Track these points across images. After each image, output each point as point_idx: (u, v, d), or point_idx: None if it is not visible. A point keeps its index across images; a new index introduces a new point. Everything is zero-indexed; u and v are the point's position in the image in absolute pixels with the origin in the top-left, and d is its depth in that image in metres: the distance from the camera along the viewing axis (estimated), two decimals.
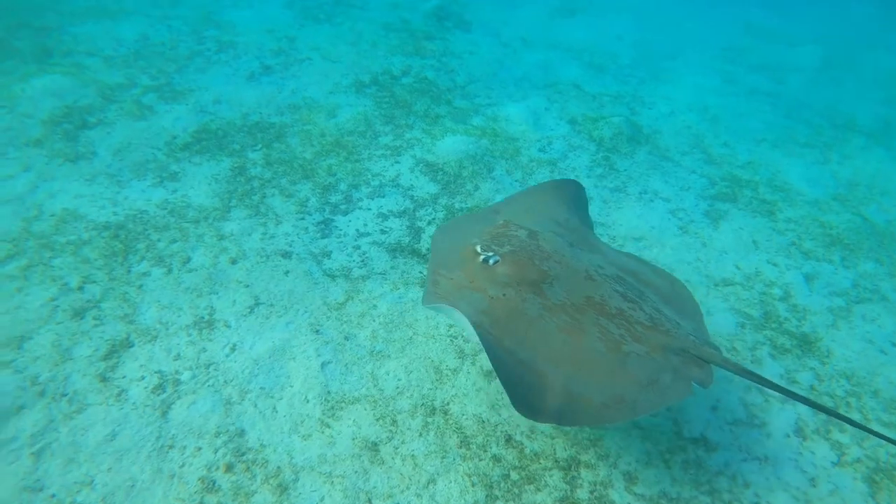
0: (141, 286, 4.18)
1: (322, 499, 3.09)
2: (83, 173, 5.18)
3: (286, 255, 4.56)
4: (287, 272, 4.41)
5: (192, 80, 6.68)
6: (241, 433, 3.34)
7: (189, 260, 4.43)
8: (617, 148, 6.50)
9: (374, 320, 4.10)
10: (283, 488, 3.10)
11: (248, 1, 8.74)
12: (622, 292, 3.04)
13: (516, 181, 5.85)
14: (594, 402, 2.52)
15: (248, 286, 4.27)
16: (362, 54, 7.67)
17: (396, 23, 8.70)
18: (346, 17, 8.64)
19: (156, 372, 3.62)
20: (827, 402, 4.02)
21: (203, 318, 4.00)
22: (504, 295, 2.84)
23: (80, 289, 4.10)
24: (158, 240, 4.55)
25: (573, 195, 3.99)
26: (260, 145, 5.72)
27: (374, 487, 3.16)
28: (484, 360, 3.91)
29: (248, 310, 4.10)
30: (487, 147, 6.15)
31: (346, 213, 5.04)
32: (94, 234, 4.54)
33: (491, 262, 2.98)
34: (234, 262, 4.46)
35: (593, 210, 5.24)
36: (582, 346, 2.70)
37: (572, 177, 5.83)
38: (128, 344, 3.77)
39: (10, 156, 5.25)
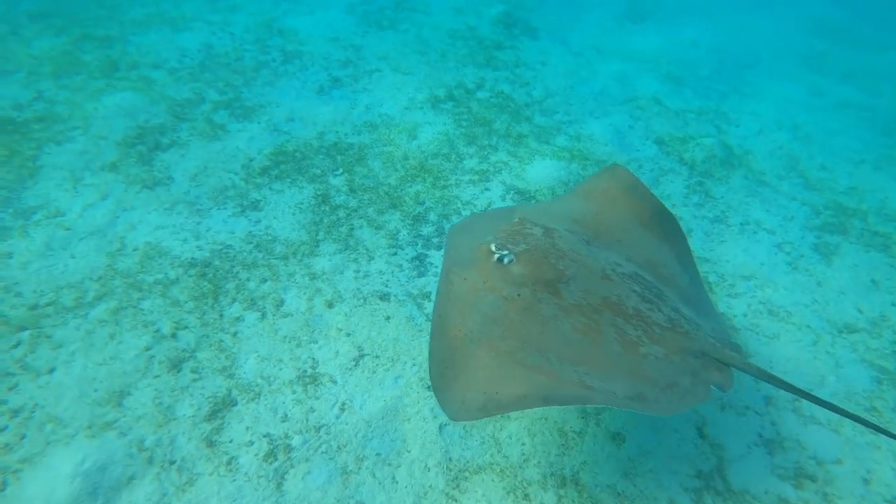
0: (236, 333, 3.90)
1: None
2: (162, 201, 4.91)
3: (384, 297, 4.26)
4: (388, 318, 4.11)
5: (261, 94, 6.38)
6: None
7: (283, 303, 4.14)
8: (711, 172, 6.10)
9: None
10: None
11: (308, 7, 8.41)
12: (640, 292, 2.95)
13: None
14: (619, 395, 2.48)
15: (349, 334, 3.97)
16: (433, 65, 7.31)
17: (463, 30, 8.32)
18: (410, 24, 8.28)
19: (264, 436, 3.35)
20: None
21: (306, 371, 3.71)
22: (519, 295, 2.76)
23: (174, 336, 3.83)
24: (248, 279, 4.27)
25: (600, 187, 3.72)
26: (341, 169, 5.41)
27: None
28: (609, 420, 3.59)
29: (353, 362, 3.81)
30: (578, 172, 5.80)
31: (440, 248, 4.72)
32: (181, 273, 4.27)
33: (505, 260, 2.88)
34: (330, 305, 4.16)
35: (694, 243, 4.88)
36: (598, 347, 2.64)
37: (668, 205, 5.43)
38: (231, 402, 3.50)
39: (87, 181, 5.00)
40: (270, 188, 5.15)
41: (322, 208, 5.00)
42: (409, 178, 5.47)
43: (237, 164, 5.39)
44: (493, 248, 2.95)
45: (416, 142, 5.92)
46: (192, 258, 4.45)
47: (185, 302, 4.12)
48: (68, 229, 4.60)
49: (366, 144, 5.81)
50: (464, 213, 5.15)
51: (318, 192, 5.15)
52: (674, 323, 2.88)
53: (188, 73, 6.56)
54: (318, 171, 5.38)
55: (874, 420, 3.90)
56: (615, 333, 2.72)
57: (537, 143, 6.18)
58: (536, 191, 5.52)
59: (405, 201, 5.15)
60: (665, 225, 3.55)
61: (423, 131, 6.07)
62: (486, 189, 5.48)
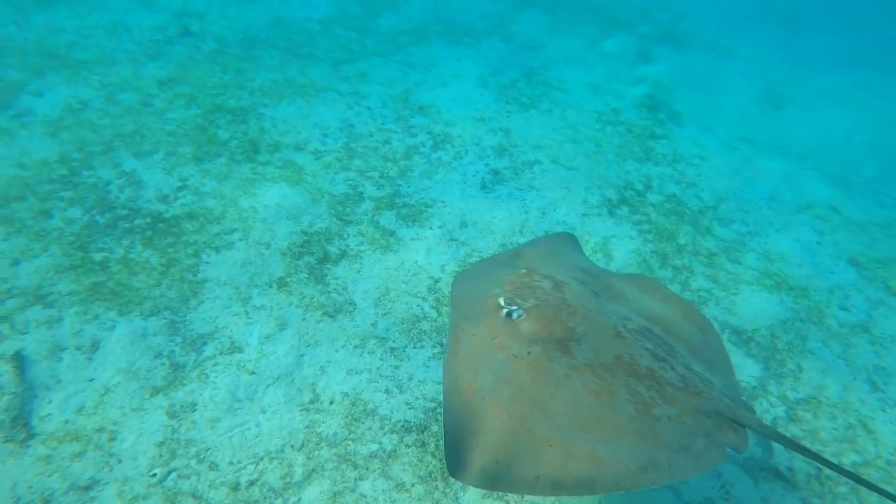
0: None
1: None
2: (348, 335, 4.18)
3: None
4: None
5: (422, 189, 5.69)
6: None
7: None
8: None
9: None
10: None
11: (439, 77, 7.78)
12: (652, 350, 2.86)
13: (839, 358, 4.74)
14: (630, 467, 2.40)
15: None
16: (591, 157, 6.63)
17: (607, 113, 7.67)
18: (551, 103, 7.63)
19: None
20: None
21: None
22: (529, 353, 2.68)
23: None
24: None
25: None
26: None
27: None
28: None
29: None
30: (791, 306, 5.07)
31: None
32: (397, 441, 3.55)
33: (514, 316, 2.80)
34: None
35: None
36: (611, 409, 2.56)
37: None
38: None
39: (256, 303, 4.28)
40: None
41: None
42: None
43: (422, 286, 4.66)
44: (502, 302, 2.86)
45: (613, 263, 5.19)
46: (405, 421, 3.70)
47: (413, 485, 3.35)
48: (252, 373, 3.86)
49: None
50: None
51: None
52: (687, 382, 2.79)
53: (335, 158, 5.88)
54: None
55: None
56: (628, 394, 2.64)
57: (732, 265, 5.49)
58: (754, 330, 4.80)
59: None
60: (667, 293, 3.51)
61: (613, 248, 5.35)
62: None
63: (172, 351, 3.96)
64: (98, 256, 4.51)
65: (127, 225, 4.82)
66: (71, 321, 4.03)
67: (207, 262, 4.59)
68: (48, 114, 5.98)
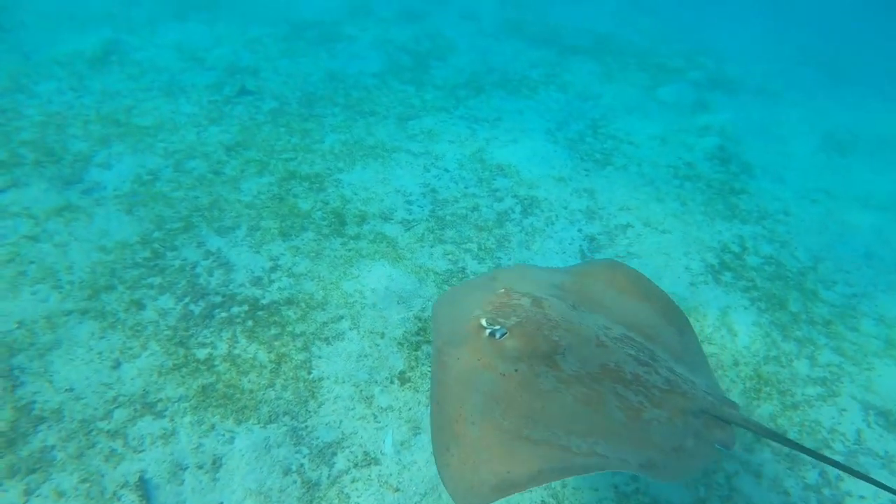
0: None
1: None
2: None
3: None
4: None
5: (523, 262, 5.35)
6: None
7: None
8: None
9: None
10: None
11: (507, 133, 7.53)
12: (635, 355, 2.93)
13: None
14: (631, 463, 2.47)
15: None
16: (679, 217, 6.35)
17: (682, 167, 7.42)
18: (624, 158, 7.38)
19: None
20: None
21: None
22: (516, 370, 2.71)
23: None
24: None
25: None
26: None
27: None
28: None
29: None
30: None
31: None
32: None
33: (498, 335, 2.82)
34: None
35: None
36: (602, 416, 2.61)
37: None
38: None
39: (381, 403, 3.96)
40: None
41: None
42: (754, 393, 4.40)
43: None
44: (485, 323, 2.88)
45: (740, 342, 4.87)
46: None
47: None
48: (397, 490, 3.47)
49: None
50: (838, 447, 4.06)
51: None
52: (672, 384, 2.86)
53: (427, 228, 5.56)
54: None
55: None
56: (617, 401, 2.69)
57: (852, 333, 5.20)
58: None
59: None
60: (640, 285, 3.58)
61: (734, 322, 5.04)
62: (843, 410, 4.41)
63: (302, 465, 3.58)
64: (201, 354, 4.14)
65: (224, 314, 4.46)
66: (187, 434, 3.65)
67: (320, 357, 4.23)
68: (119, 187, 5.65)
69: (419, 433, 3.83)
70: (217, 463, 3.54)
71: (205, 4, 10.57)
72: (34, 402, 3.73)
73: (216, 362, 4.11)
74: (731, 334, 4.93)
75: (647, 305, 3.47)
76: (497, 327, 2.86)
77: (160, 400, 3.83)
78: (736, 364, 4.67)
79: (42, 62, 7.71)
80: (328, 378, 4.11)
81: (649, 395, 2.78)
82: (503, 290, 3.18)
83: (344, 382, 4.09)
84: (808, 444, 4.09)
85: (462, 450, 2.46)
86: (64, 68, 7.68)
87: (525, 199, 6.27)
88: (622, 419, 2.64)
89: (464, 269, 5.18)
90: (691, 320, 4.79)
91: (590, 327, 3.02)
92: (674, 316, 3.47)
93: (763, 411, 4.31)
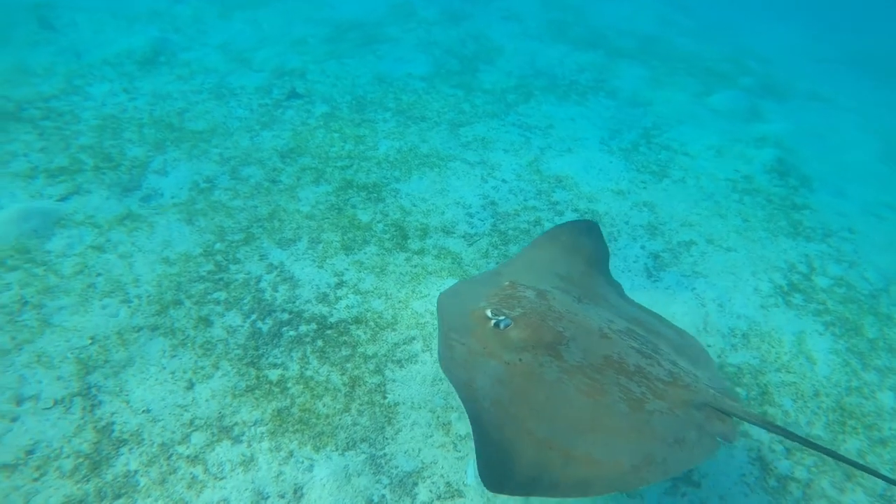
0: None
1: None
2: None
3: None
4: None
5: None
6: None
7: None
8: None
9: None
10: None
11: (562, 143, 7.40)
12: (638, 348, 2.94)
13: None
14: (625, 466, 2.46)
15: None
16: (742, 234, 6.19)
17: (740, 181, 7.24)
18: (681, 170, 7.20)
19: None
20: None
21: None
22: (521, 360, 2.75)
23: None
24: None
25: (575, 241, 3.85)
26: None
27: None
28: None
29: None
30: None
31: None
32: None
33: (502, 325, 2.86)
34: None
35: None
36: (605, 408, 2.62)
37: None
38: None
39: (459, 430, 3.90)
40: None
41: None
42: (838, 428, 4.23)
43: None
44: (489, 313, 2.91)
45: (818, 369, 4.71)
46: None
47: None
48: None
49: (756, 368, 4.60)
50: None
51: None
52: (674, 376, 2.86)
53: (490, 244, 5.46)
54: None
55: None
56: (620, 392, 2.70)
57: None
58: None
59: (855, 471, 3.90)
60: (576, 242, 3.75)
61: (811, 349, 4.89)
62: None
63: (384, 496, 3.50)
64: (273, 375, 4.07)
65: (293, 333, 4.38)
66: (266, 461, 3.57)
67: (394, 381, 4.13)
68: (177, 195, 5.59)
69: None
70: (299, 493, 3.47)
71: (248, 3, 10.49)
72: (113, 422, 3.68)
73: (289, 384, 4.03)
74: (810, 362, 4.78)
75: (650, 314, 3.51)
76: (502, 318, 2.89)
77: (236, 424, 3.77)
78: (817, 395, 4.52)
79: (93, 63, 7.67)
80: (404, 403, 4.01)
81: (652, 386, 2.78)
82: (508, 283, 3.21)
83: (420, 408, 4.00)
84: None
85: (494, 431, 2.51)
86: (115, 69, 7.63)
87: (585, 213, 6.13)
88: (625, 410, 2.64)
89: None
90: (766, 346, 4.68)
91: (594, 319, 3.05)
92: (667, 322, 3.50)
93: (850, 447, 4.17)
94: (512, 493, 2.38)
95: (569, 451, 2.48)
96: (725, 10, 14.32)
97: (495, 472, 2.38)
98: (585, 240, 3.89)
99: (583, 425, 2.57)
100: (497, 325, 2.88)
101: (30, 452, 3.46)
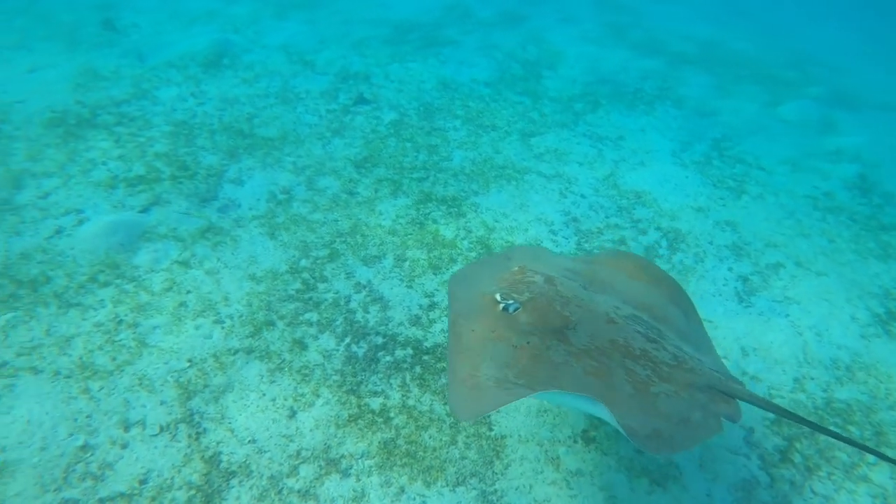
0: None
1: None
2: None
3: None
4: None
5: None
6: None
7: None
8: None
9: None
10: None
11: (634, 156, 7.19)
12: (643, 332, 3.00)
13: None
14: (640, 433, 2.53)
15: None
16: (830, 257, 5.98)
17: (821, 198, 7.00)
18: (758, 186, 6.99)
19: None
20: None
21: None
22: (528, 343, 2.80)
23: None
24: None
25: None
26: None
27: None
28: None
29: None
30: None
31: None
32: None
33: (511, 309, 2.92)
34: None
35: None
36: (611, 389, 2.68)
37: None
38: None
39: (569, 466, 3.77)
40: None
41: None
42: None
43: (737, 439, 4.01)
44: (499, 297, 2.97)
45: None
46: None
47: None
48: None
49: (867, 406, 4.41)
50: None
51: None
52: (679, 360, 2.93)
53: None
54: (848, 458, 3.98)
55: None
56: (625, 374, 2.75)
57: None
58: None
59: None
60: (649, 270, 3.68)
61: None
62: None
63: None
64: (375, 404, 3.96)
65: (389, 358, 4.27)
66: (378, 497, 3.48)
67: (498, 411, 4.00)
68: (255, 206, 5.50)
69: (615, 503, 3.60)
70: None
71: (302, 3, 10.38)
72: (220, 452, 3.59)
73: (392, 414, 3.92)
74: None
75: (655, 288, 3.54)
76: (510, 302, 2.94)
77: (343, 456, 3.67)
78: None
79: (158, 65, 7.60)
80: (511, 436, 3.89)
81: (657, 369, 2.84)
82: (517, 268, 3.26)
83: (528, 441, 3.87)
84: None
85: (475, 396, 2.56)
86: (180, 71, 7.55)
87: (669, 231, 5.95)
88: (630, 391, 2.71)
89: None
90: (872, 380, 4.48)
91: (600, 305, 3.11)
92: (680, 299, 3.56)
93: None
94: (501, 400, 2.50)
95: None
96: (780, 12, 13.94)
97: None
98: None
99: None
100: (506, 308, 2.93)
101: (143, 482, 3.39)
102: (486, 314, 2.96)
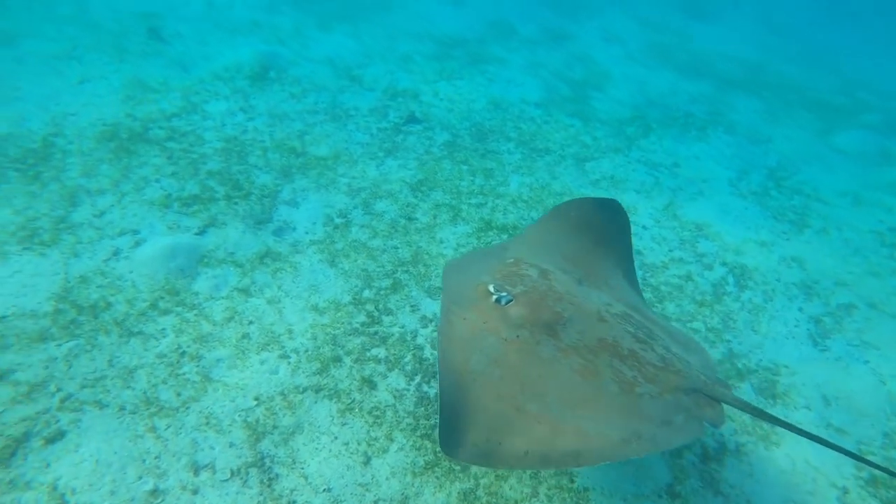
0: None
1: None
2: None
3: None
4: None
5: (755, 349, 4.91)
6: None
7: None
8: None
9: None
10: None
11: (694, 186, 7.01)
12: (633, 333, 3.01)
13: None
14: (614, 438, 2.54)
15: None
16: None
17: (885, 232, 6.82)
18: (820, 219, 6.78)
19: None
20: None
21: None
22: (518, 336, 2.82)
23: None
24: None
25: (586, 219, 3.81)
26: None
27: None
28: None
29: None
30: None
31: None
32: None
33: (503, 302, 2.92)
34: None
35: None
36: (596, 388, 2.70)
37: None
38: None
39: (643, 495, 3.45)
40: None
41: None
42: None
43: (830, 498, 3.80)
44: (492, 289, 2.97)
45: None
46: None
47: None
48: None
49: None
50: None
51: None
52: (666, 362, 2.92)
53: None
54: None
55: None
56: (612, 374, 2.76)
57: None
58: None
59: None
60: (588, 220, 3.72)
61: None
62: None
63: None
64: None
65: None
66: None
67: None
68: (311, 230, 5.34)
69: None
70: None
71: (344, 15, 10.26)
72: (295, 501, 3.41)
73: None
74: None
75: (645, 305, 3.52)
76: (503, 294, 2.94)
77: None
78: None
79: (205, 77, 7.47)
80: (593, 489, 3.69)
81: (643, 370, 2.84)
82: (513, 260, 3.27)
83: (611, 495, 3.67)
84: None
85: (464, 402, 2.53)
86: (227, 84, 7.42)
87: (735, 267, 5.75)
88: (615, 391, 2.70)
89: None
90: None
91: (592, 302, 3.10)
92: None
93: None
94: (497, 466, 2.45)
95: (558, 425, 2.53)
96: (823, 33, 13.72)
97: (480, 448, 2.42)
98: (598, 218, 3.85)
99: (573, 402, 2.62)
100: (498, 300, 2.93)
101: None
102: (479, 305, 2.95)
